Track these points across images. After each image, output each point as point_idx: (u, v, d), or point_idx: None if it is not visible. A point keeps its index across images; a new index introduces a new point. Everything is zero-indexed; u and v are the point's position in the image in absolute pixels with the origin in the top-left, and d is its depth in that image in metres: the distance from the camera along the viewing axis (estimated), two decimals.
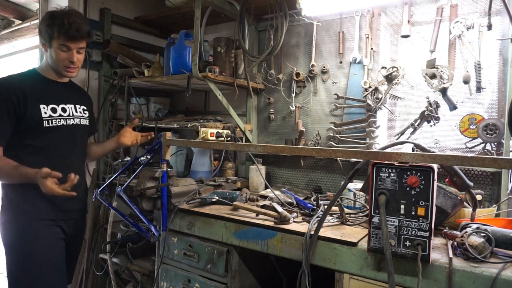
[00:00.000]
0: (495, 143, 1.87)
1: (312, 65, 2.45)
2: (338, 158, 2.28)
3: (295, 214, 1.76)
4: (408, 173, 1.30)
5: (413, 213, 1.28)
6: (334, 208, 1.71)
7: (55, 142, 1.80)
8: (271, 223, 1.67)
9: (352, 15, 2.30)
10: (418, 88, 2.12)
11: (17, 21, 4.13)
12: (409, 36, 2.10)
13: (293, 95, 2.55)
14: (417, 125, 2.02)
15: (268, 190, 2.32)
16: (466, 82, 1.89)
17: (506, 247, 1.31)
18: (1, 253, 1.85)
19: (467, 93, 1.93)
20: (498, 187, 1.84)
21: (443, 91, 1.91)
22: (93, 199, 2.21)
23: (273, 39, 2.52)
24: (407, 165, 1.30)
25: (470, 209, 1.58)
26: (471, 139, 1.93)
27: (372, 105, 2.18)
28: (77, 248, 2.09)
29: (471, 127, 1.91)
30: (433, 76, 1.94)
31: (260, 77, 2.64)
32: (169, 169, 1.95)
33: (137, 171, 2.03)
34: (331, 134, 2.32)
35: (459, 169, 1.48)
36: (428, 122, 2.00)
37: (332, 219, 1.73)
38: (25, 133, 1.73)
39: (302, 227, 1.61)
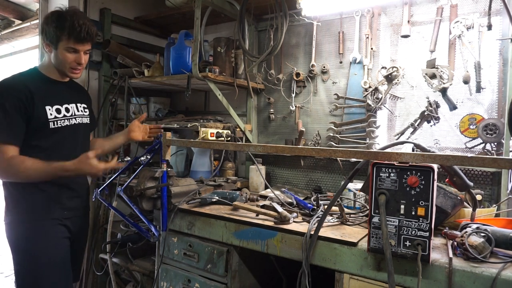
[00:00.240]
0: (495, 143, 1.87)
1: (312, 65, 2.45)
2: (338, 158, 2.28)
3: (295, 214, 1.76)
4: (408, 173, 1.30)
5: (413, 213, 1.28)
6: (334, 208, 1.71)
7: (59, 142, 1.80)
8: (271, 223, 1.67)
9: (352, 15, 2.30)
10: (418, 88, 2.12)
11: (17, 21, 4.14)
12: (409, 36, 2.10)
13: (293, 95, 2.54)
14: (417, 125, 2.02)
15: (268, 190, 2.32)
16: (466, 82, 1.89)
17: (506, 247, 1.31)
18: (1, 253, 1.85)
19: (467, 93, 1.93)
20: (498, 187, 1.84)
21: (443, 91, 1.91)
22: (93, 199, 2.21)
23: (273, 39, 2.52)
24: (407, 165, 1.30)
25: (470, 209, 1.58)
26: (471, 139, 1.93)
27: (372, 105, 2.18)
28: (82, 246, 2.09)
29: (471, 127, 1.91)
30: (433, 76, 1.94)
31: (260, 77, 2.64)
32: (169, 169, 1.95)
33: (137, 171, 2.03)
34: (331, 134, 2.32)
35: (459, 169, 1.48)
36: (428, 122, 2.00)
37: (332, 219, 1.73)
38: (32, 133, 1.71)
39: (302, 227, 1.61)
